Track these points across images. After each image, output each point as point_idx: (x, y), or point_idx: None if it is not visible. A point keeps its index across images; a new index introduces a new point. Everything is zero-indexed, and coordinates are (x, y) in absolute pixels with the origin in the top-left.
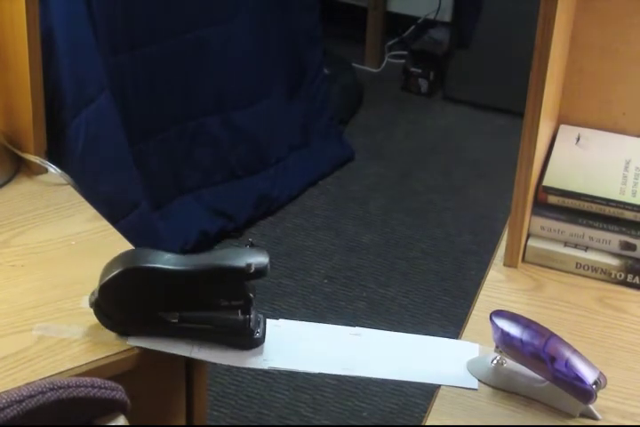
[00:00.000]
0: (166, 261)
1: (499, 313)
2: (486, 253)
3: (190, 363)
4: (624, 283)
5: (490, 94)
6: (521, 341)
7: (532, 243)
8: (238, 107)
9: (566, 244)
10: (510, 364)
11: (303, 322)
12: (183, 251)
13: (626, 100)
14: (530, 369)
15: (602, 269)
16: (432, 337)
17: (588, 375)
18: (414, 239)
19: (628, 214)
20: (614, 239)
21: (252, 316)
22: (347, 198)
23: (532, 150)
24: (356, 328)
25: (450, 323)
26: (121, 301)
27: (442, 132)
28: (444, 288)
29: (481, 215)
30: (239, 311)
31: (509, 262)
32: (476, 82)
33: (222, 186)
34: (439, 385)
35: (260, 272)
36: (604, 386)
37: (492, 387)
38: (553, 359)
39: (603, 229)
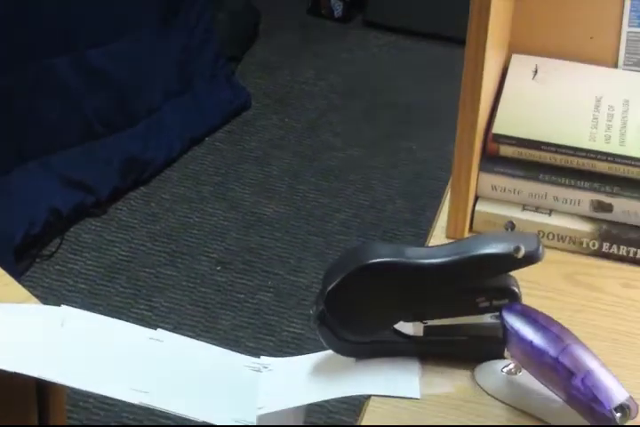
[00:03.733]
0: (408, 254)
1: (511, 307)
2: (425, 222)
3: None
4: (598, 254)
5: (422, 18)
6: (531, 344)
7: (481, 207)
8: (95, 43)
9: (525, 207)
10: (526, 374)
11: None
12: (30, 236)
13: (593, 21)
14: (542, 383)
15: (570, 238)
16: None
17: (611, 398)
18: (331, 209)
19: (602, 166)
20: (585, 199)
21: None
22: (242, 159)
23: (476, 89)
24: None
25: None
26: (353, 309)
27: (362, 69)
28: None
29: (416, 175)
30: (496, 313)
31: (453, 233)
32: (405, 2)
33: (77, 149)
34: (368, 396)
35: (532, 257)
36: (636, 415)
37: (500, 401)
38: (570, 373)
39: (570, 186)
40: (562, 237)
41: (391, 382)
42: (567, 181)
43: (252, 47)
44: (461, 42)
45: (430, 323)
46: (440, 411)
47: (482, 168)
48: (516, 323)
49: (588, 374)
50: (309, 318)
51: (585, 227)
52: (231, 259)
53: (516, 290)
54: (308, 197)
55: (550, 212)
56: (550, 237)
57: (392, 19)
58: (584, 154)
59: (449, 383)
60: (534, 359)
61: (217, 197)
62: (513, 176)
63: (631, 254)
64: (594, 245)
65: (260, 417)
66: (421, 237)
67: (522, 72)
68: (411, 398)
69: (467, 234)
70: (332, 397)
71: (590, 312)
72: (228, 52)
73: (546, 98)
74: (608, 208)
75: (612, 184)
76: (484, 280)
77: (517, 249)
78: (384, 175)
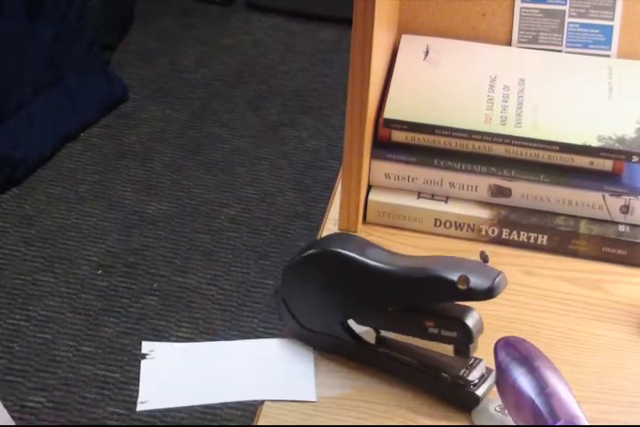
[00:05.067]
0: (369, 253)
1: (506, 340)
2: (318, 215)
3: None
4: (498, 241)
5: None
6: (514, 382)
7: (374, 197)
8: None
9: (420, 195)
10: None
11: None
12: None
13: None
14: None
15: (469, 226)
16: (248, 341)
17: None
18: (218, 204)
19: (498, 149)
20: (482, 184)
21: (475, 362)
22: (121, 154)
23: (365, 72)
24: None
25: (275, 315)
26: (305, 292)
27: (246, 54)
28: (264, 268)
29: (307, 165)
30: (453, 349)
31: (346, 225)
32: None
33: None
34: (262, 401)
35: (479, 292)
36: None
37: None
38: (554, 416)
39: (466, 171)
40: (460, 225)
41: (287, 386)
42: (463, 166)
43: (128, 34)
44: (349, 23)
45: (386, 335)
46: (338, 413)
47: (373, 155)
48: (505, 357)
49: (573, 420)
50: (196, 320)
51: (483, 213)
52: (113, 262)
53: (470, 326)
54: (193, 193)
55: (447, 199)
56: (448, 225)
57: (276, 0)
58: (479, 137)
59: (347, 384)
60: (514, 397)
61: (95, 197)
62: (406, 163)
63: (532, 240)
64: (493, 232)
65: None
66: (315, 230)
67: (412, 53)
68: (307, 402)
69: (360, 226)
70: (224, 401)
71: (492, 302)
72: (102, 39)
73: (438, 79)
74: (506, 193)
75: (510, 167)
76: (434, 304)
77: (463, 280)
78: (273, 167)
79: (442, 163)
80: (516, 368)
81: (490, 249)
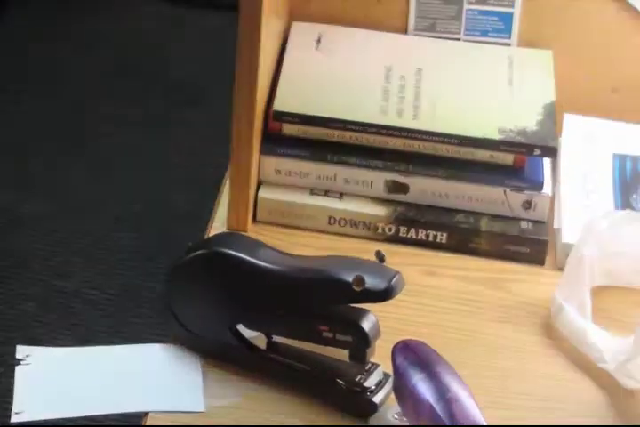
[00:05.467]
0: (259, 253)
1: (405, 344)
2: (206, 214)
3: None
4: (396, 239)
5: None
6: (413, 388)
7: (264, 194)
8: None
9: (313, 191)
10: None
11: None
12: None
13: None
14: None
15: (364, 223)
16: (132, 346)
17: None
18: (100, 203)
19: (395, 143)
20: (378, 179)
21: (372, 368)
22: None
23: (253, 61)
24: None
25: (161, 321)
26: (192, 295)
27: (129, 42)
28: (150, 271)
29: (196, 161)
30: (349, 354)
31: (235, 225)
32: None
33: None
34: (146, 413)
35: (375, 294)
36: None
37: None
38: (454, 422)
39: (361, 166)
40: (355, 223)
41: (173, 396)
42: (358, 161)
43: (1, 19)
44: (237, 10)
45: (278, 340)
46: (228, 423)
47: (263, 150)
48: (403, 362)
49: None
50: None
51: (379, 210)
52: None
53: (366, 330)
54: (71, 192)
55: (341, 195)
56: (342, 223)
57: None
58: (375, 130)
59: (237, 393)
60: (412, 404)
61: None
62: (298, 158)
63: (431, 238)
64: (390, 230)
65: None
66: (203, 230)
67: (304, 42)
68: (195, 412)
69: (250, 225)
70: (106, 412)
71: (392, 305)
72: None
73: (331, 69)
74: (403, 189)
75: (407, 162)
76: (327, 307)
77: (358, 280)
78: (159, 162)
79: (335, 158)
80: (415, 373)
81: (387, 248)
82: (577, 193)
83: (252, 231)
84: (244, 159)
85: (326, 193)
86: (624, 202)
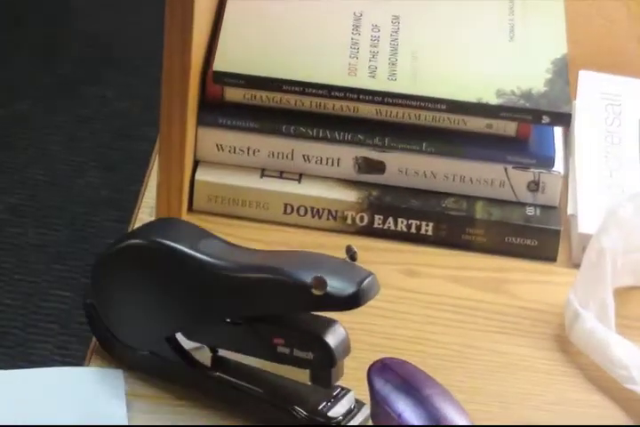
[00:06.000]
0: (201, 245)
1: (384, 363)
2: (130, 202)
3: None
4: (369, 231)
5: None
6: (400, 417)
7: (202, 176)
8: None
9: (265, 172)
10: None
11: None
12: None
13: None
14: None
15: (330, 212)
16: (40, 370)
17: None
18: None
19: (367, 109)
20: (346, 156)
21: (340, 394)
22: None
23: (187, 11)
24: None
25: (75, 338)
26: (120, 296)
27: None
28: (59, 275)
29: (116, 134)
30: (309, 376)
31: (166, 214)
32: None
33: None
34: None
35: (337, 300)
36: None
37: None
38: None
39: (325, 139)
40: (318, 212)
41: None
42: (321, 133)
43: None
44: None
45: (226, 355)
46: None
47: (201, 121)
48: (381, 383)
49: None
50: None
51: (348, 195)
52: None
53: (330, 344)
54: None
55: (300, 177)
56: (302, 211)
57: None
58: (342, 94)
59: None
60: None
61: None
62: (245, 130)
63: (413, 229)
64: (362, 220)
65: None
66: (126, 222)
67: None
68: None
69: (184, 215)
70: None
71: (363, 313)
72: None
73: (285, 19)
74: (379, 167)
75: (383, 134)
76: (283, 315)
77: (318, 282)
78: (68, 138)
79: (292, 129)
80: (401, 399)
81: (359, 242)
82: (596, 171)
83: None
84: (176, 132)
85: (281, 174)
86: None
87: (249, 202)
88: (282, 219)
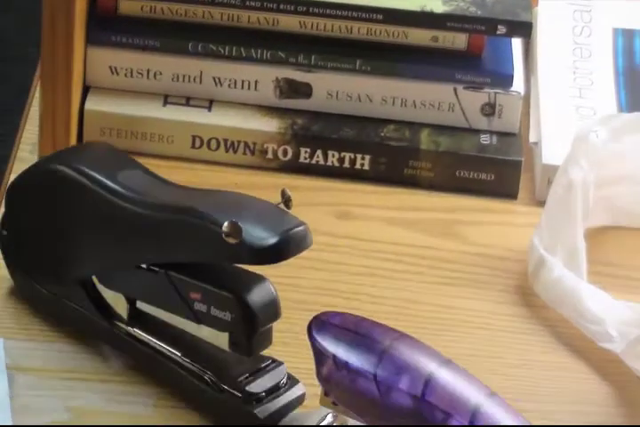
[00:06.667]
0: (122, 175)
1: (324, 320)
2: (7, 137)
3: None
4: (294, 167)
5: None
6: (370, 382)
7: (93, 105)
8: None
9: (168, 99)
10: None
11: None
12: None
13: None
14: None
15: (247, 145)
16: None
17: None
18: None
19: (289, 21)
20: (265, 78)
21: (270, 366)
22: None
23: None
24: None
25: None
26: (33, 227)
27: None
28: None
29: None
30: (227, 341)
31: (50, 151)
32: None
33: None
34: None
35: (255, 251)
36: None
37: None
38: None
39: (239, 58)
40: (233, 145)
41: None
42: (234, 51)
43: None
44: None
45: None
46: None
47: (91, 39)
48: (328, 341)
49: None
50: None
51: (268, 125)
52: None
53: (250, 303)
54: None
55: (210, 104)
56: (213, 145)
57: None
58: (258, 4)
59: (61, 406)
60: (351, 382)
61: None
62: (143, 49)
63: (347, 164)
64: (285, 154)
65: None
66: (2, 162)
67: None
68: None
69: None
70: None
71: (288, 265)
72: None
73: None
74: (304, 91)
75: (309, 50)
76: (201, 267)
77: (232, 228)
78: None
79: (200, 47)
80: (363, 357)
81: (282, 181)
82: (563, 90)
83: None
84: (60, 53)
85: (188, 101)
86: (632, 99)
87: (150, 135)
88: (189, 154)
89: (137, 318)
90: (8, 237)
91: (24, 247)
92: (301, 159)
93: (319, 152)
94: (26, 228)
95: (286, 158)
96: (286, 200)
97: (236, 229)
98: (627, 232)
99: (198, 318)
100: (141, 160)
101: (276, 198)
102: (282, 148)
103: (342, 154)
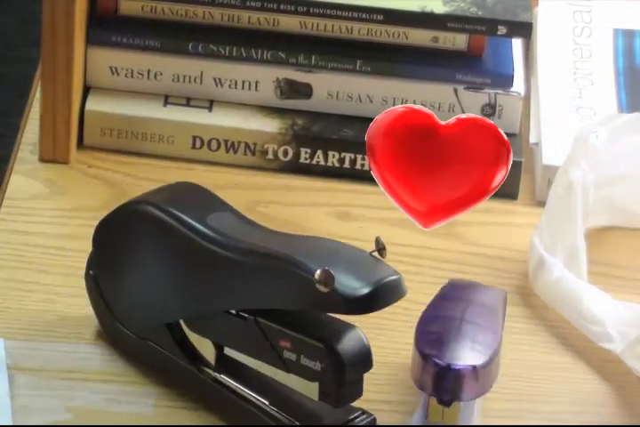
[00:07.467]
0: (210, 219)
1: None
2: (8, 138)
3: None
4: (294, 167)
5: None
6: None
7: (94, 105)
8: None
9: (169, 100)
10: None
11: None
12: None
13: None
14: None
15: (248, 145)
16: None
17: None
18: None
19: (290, 23)
20: (266, 78)
21: (359, 419)
22: None
23: None
24: None
25: None
26: (121, 269)
27: None
28: None
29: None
30: (317, 391)
31: (51, 153)
32: None
33: None
34: None
35: (344, 300)
36: None
37: None
38: None
39: (240, 58)
40: (233, 145)
41: None
42: (235, 52)
43: None
44: None
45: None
46: None
47: (91, 39)
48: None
49: None
50: None
51: (269, 125)
52: None
53: (340, 354)
54: None
55: (210, 104)
56: (214, 145)
57: None
58: (258, 4)
59: (61, 406)
60: None
61: None
62: (144, 49)
63: (347, 164)
64: (286, 155)
65: None
66: (3, 162)
67: None
68: None
69: (73, 152)
70: None
71: None
72: None
73: None
74: (304, 91)
75: (309, 51)
76: (291, 315)
77: (325, 276)
78: None
79: (200, 47)
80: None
81: (281, 181)
82: (563, 90)
83: (78, 161)
84: (61, 53)
85: (188, 102)
86: (632, 100)
87: (150, 135)
88: (190, 154)
89: (224, 363)
90: (94, 277)
91: (110, 288)
92: (302, 160)
93: (319, 152)
94: (112, 269)
95: (287, 159)
96: (380, 248)
97: (328, 278)
98: (627, 232)
99: (287, 367)
100: (140, 161)
101: (276, 198)
102: (282, 148)
103: (343, 154)
